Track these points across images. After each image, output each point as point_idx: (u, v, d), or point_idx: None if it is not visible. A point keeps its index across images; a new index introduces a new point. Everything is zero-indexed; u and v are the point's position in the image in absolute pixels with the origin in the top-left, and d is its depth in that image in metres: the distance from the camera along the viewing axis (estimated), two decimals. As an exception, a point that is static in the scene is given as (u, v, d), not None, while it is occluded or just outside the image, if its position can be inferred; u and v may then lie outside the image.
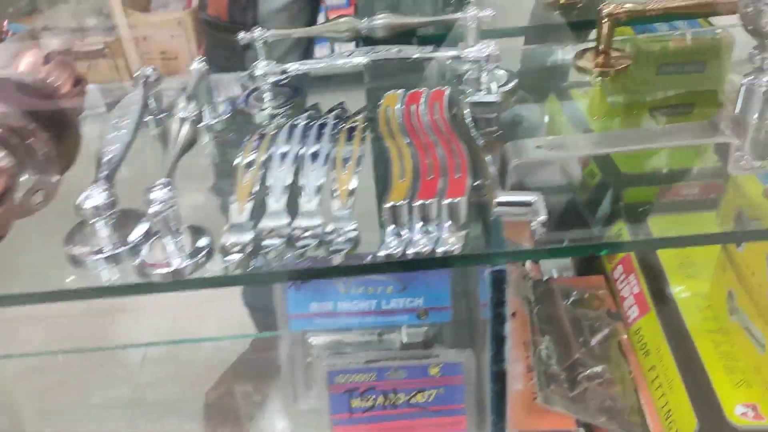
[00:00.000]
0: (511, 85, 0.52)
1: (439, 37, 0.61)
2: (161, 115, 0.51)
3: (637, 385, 0.57)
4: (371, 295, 0.67)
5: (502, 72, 0.53)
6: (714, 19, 0.60)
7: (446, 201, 0.38)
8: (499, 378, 0.43)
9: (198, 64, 0.50)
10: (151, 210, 0.36)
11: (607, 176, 0.57)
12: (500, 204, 0.38)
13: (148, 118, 0.50)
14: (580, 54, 0.56)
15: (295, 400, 0.66)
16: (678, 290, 0.62)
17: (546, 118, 0.52)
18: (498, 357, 0.42)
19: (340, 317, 0.67)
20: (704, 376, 0.55)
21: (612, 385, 0.52)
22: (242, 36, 0.54)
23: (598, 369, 0.52)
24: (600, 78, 0.55)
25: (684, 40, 0.61)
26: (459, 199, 0.37)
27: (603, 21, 0.53)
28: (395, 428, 0.54)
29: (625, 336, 0.62)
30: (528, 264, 0.66)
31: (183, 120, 0.42)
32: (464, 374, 0.53)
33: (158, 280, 0.38)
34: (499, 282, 0.39)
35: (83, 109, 0.50)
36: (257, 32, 0.54)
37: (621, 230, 0.71)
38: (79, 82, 0.50)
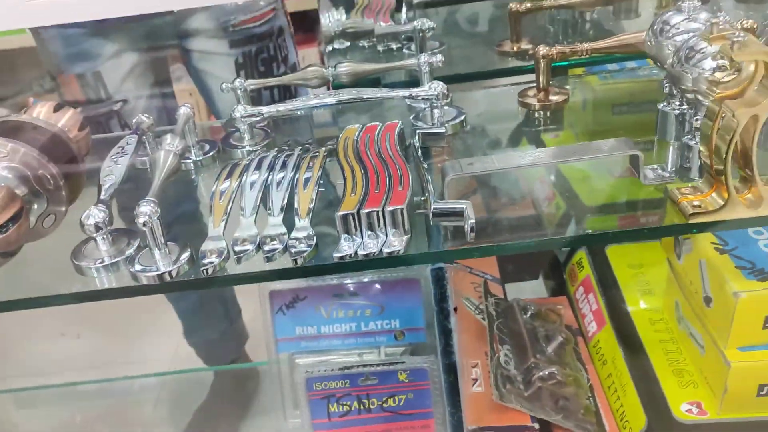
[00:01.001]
0: (458, 119, 0.61)
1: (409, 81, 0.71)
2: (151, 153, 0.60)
3: (595, 391, 0.62)
4: (351, 318, 0.74)
5: (451, 109, 0.62)
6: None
7: (389, 209, 0.45)
8: (451, 369, 0.49)
9: (184, 109, 0.59)
10: (139, 221, 0.44)
11: (570, 208, 0.64)
12: (436, 211, 0.46)
13: (141, 154, 0.59)
14: (523, 91, 0.65)
15: (285, 419, 0.72)
16: (633, 307, 0.69)
17: (489, 146, 0.60)
18: (447, 349, 0.49)
19: (324, 339, 0.74)
20: (654, 379, 0.61)
21: (565, 386, 0.58)
22: (224, 85, 0.64)
23: (551, 370, 0.57)
24: (540, 111, 0.63)
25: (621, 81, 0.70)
26: (400, 207, 0.45)
27: (539, 61, 0.62)
28: (370, 432, 0.60)
29: (586, 350, 0.68)
30: (492, 287, 0.73)
31: (168, 152, 0.51)
32: (430, 379, 0.59)
33: (148, 283, 0.45)
34: (439, 279, 0.46)
35: (88, 150, 0.60)
36: (237, 82, 0.64)
37: (581, 257, 0.78)
38: (84, 127, 0.59)
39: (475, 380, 0.59)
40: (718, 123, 0.43)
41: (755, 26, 0.53)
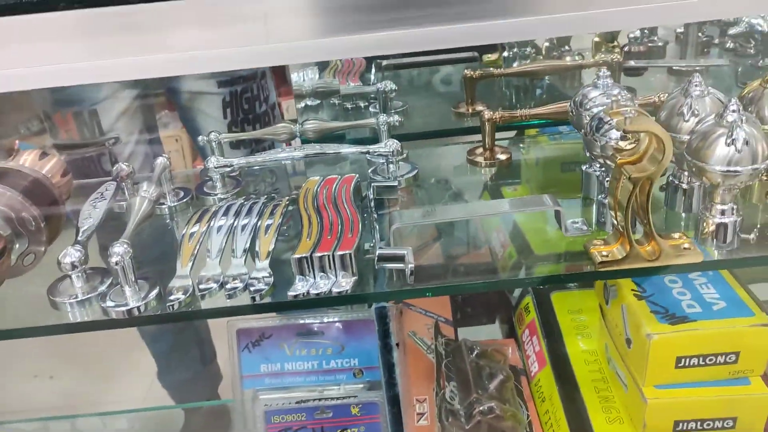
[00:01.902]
0: (411, 174, 0.67)
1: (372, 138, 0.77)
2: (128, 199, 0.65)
3: (534, 426, 0.67)
4: (314, 356, 0.78)
5: (406, 164, 0.69)
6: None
7: (338, 253, 0.51)
8: (394, 401, 0.54)
9: (161, 159, 0.65)
10: (112, 260, 0.49)
11: (521, 256, 0.70)
12: (380, 256, 0.52)
13: (119, 199, 0.65)
14: (472, 150, 0.72)
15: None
16: (571, 348, 0.74)
17: (437, 199, 0.67)
18: (390, 381, 0.53)
19: (287, 376, 0.78)
20: (585, 415, 0.66)
21: (503, 420, 0.62)
22: (201, 138, 0.70)
23: (490, 405, 0.62)
24: (486, 168, 0.70)
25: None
26: (348, 251, 0.51)
27: (485, 123, 0.70)
28: (324, 465, 0.64)
29: (528, 389, 0.73)
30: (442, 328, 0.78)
31: (143, 198, 0.56)
32: (381, 413, 0.64)
33: (117, 317, 0.50)
34: (382, 317, 0.51)
35: (69, 194, 0.65)
36: (212, 135, 0.70)
37: (528, 303, 0.84)
38: (66, 174, 0.65)
39: (422, 414, 0.64)
40: (620, 184, 0.50)
41: (661, 101, 0.60)
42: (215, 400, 1.33)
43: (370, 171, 0.69)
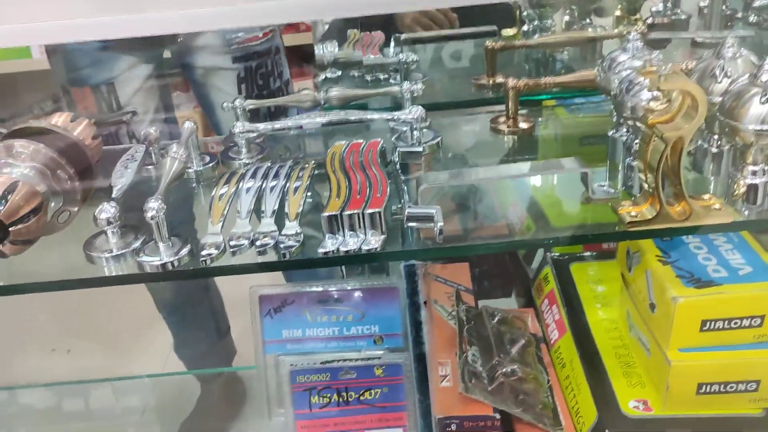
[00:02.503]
0: (435, 141, 0.68)
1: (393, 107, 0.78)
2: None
3: (554, 391, 0.68)
4: (334, 322, 0.79)
5: (429, 132, 0.69)
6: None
7: (368, 211, 0.52)
8: (420, 359, 0.55)
9: (188, 123, 0.66)
10: (148, 215, 0.50)
11: (538, 230, 0.71)
12: (409, 215, 0.52)
13: (147, 163, 0.65)
14: (495, 118, 0.72)
15: (269, 417, 0.76)
16: (590, 316, 0.75)
17: (461, 165, 0.67)
18: (418, 340, 0.54)
19: (308, 342, 0.79)
20: (606, 380, 0.66)
21: (525, 382, 0.63)
22: (225, 104, 0.71)
23: (513, 368, 0.63)
24: (509, 136, 0.71)
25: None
26: (377, 210, 0.52)
27: (509, 91, 0.70)
28: (348, 423, 0.65)
29: (548, 355, 0.73)
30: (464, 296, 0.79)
31: (174, 159, 0.57)
32: (404, 374, 0.64)
33: (152, 271, 0.51)
34: (411, 275, 0.52)
35: (99, 158, 0.66)
36: (237, 101, 0.71)
37: (547, 273, 0.84)
38: (96, 137, 0.65)
39: (444, 376, 0.65)
40: (651, 145, 0.50)
41: (689, 70, 0.60)
42: (229, 373, 1.35)
43: (393, 138, 0.69)
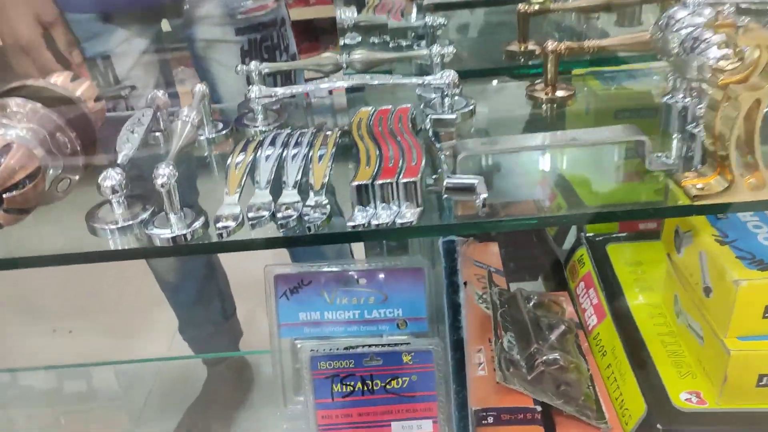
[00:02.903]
0: (468, 108, 0.62)
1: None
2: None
3: (595, 380, 0.63)
4: (355, 305, 0.75)
5: (461, 98, 0.64)
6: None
7: (403, 180, 0.47)
8: (458, 346, 0.50)
9: (199, 86, 0.60)
10: (158, 182, 0.45)
11: (571, 208, 0.66)
12: (449, 185, 0.47)
13: (154, 129, 0.60)
14: (531, 86, 0.67)
15: (285, 405, 0.72)
16: (632, 302, 0.70)
17: (497, 134, 0.62)
18: (455, 324, 0.49)
19: (327, 326, 0.74)
20: (653, 369, 0.62)
21: (567, 372, 0.59)
22: (240, 67, 0.66)
23: (554, 356, 0.58)
24: (547, 104, 0.65)
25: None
26: (414, 179, 0.47)
27: (548, 56, 0.64)
28: (373, 413, 0.60)
29: (586, 342, 0.69)
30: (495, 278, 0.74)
31: (185, 123, 0.52)
32: (434, 362, 0.60)
33: (161, 245, 0.46)
34: (450, 252, 0.47)
35: (102, 121, 0.61)
36: (252, 65, 0.66)
37: (582, 255, 0.79)
38: (99, 99, 0.60)
39: (479, 364, 0.60)
40: (722, 109, 0.44)
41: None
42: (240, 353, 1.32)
43: (422, 105, 0.64)
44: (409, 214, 0.47)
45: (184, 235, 0.46)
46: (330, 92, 0.78)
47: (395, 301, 0.75)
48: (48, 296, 1.66)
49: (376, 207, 0.48)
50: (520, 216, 0.47)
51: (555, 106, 0.65)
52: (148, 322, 1.59)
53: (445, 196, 0.48)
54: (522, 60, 0.80)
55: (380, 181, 0.47)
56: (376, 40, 0.86)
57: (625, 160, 0.54)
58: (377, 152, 0.51)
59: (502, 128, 0.63)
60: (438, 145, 0.53)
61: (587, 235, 0.80)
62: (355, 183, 0.47)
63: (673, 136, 0.56)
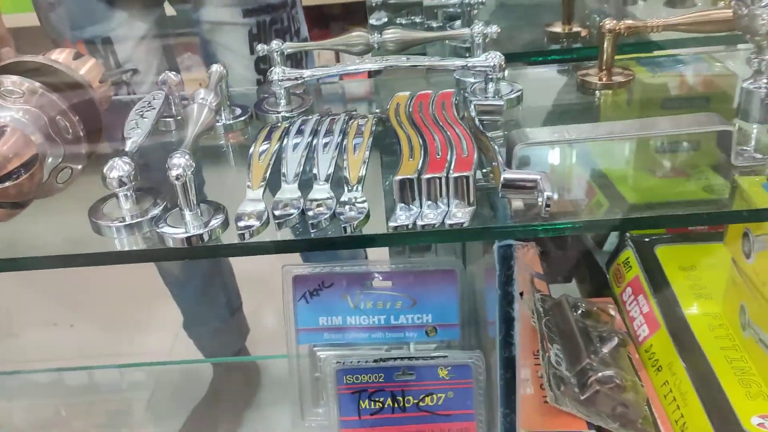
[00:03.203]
0: (515, 94, 0.56)
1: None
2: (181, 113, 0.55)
3: (650, 398, 0.57)
4: (380, 310, 0.69)
5: (506, 84, 0.57)
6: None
7: (454, 175, 0.41)
8: (509, 364, 0.44)
9: (216, 66, 0.54)
10: (172, 174, 0.39)
11: (613, 206, 0.59)
12: (506, 181, 0.41)
13: (165, 114, 0.54)
14: (584, 70, 0.61)
15: (302, 417, 0.67)
16: (689, 311, 0.64)
17: (549, 124, 0.56)
18: (507, 340, 0.43)
19: (349, 332, 0.69)
20: (719, 389, 0.55)
21: (623, 390, 0.53)
22: (260, 47, 0.60)
23: (609, 373, 0.53)
24: (602, 91, 0.59)
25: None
26: (466, 173, 0.41)
27: (605, 36, 0.58)
28: (404, 433, 0.55)
29: (636, 355, 0.63)
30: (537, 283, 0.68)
31: (202, 106, 0.46)
32: (474, 377, 0.54)
33: (176, 246, 0.40)
34: (506, 258, 0.41)
35: (108, 101, 0.55)
36: (274, 44, 0.59)
37: (629, 257, 0.73)
38: (105, 80, 0.54)
39: (524, 381, 0.54)
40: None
41: None
42: (243, 353, 1.27)
43: (463, 91, 0.58)
44: (460, 214, 0.41)
45: (201, 235, 0.41)
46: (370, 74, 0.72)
47: (424, 305, 0.69)
48: (47, 288, 1.61)
49: (421, 205, 0.42)
50: (593, 218, 0.41)
51: (611, 92, 0.59)
52: (151, 317, 1.54)
53: (501, 194, 0.42)
54: (565, 42, 0.74)
55: (427, 176, 0.41)
56: (404, 21, 0.80)
57: (700, 154, 0.48)
58: (420, 142, 0.45)
59: (554, 117, 0.57)
60: (488, 135, 0.47)
61: (632, 235, 0.74)
62: (399, 177, 0.41)
63: (753, 127, 0.49)
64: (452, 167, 0.41)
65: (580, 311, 0.61)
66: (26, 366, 1.16)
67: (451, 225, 0.41)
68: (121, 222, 0.42)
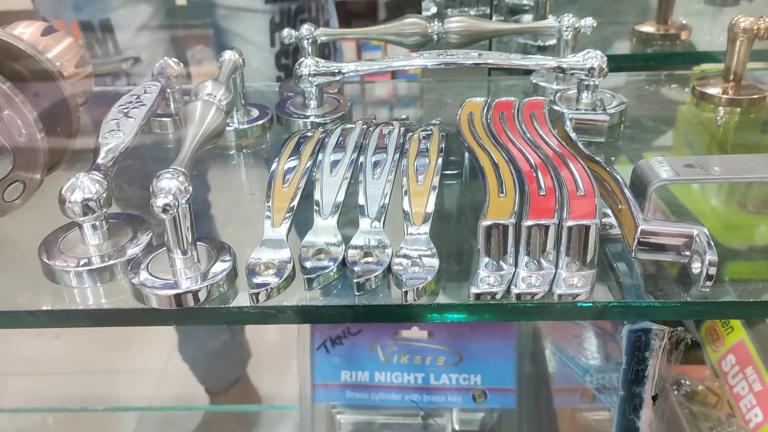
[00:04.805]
0: (619, 107, 0.44)
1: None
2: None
3: None
4: (417, 366, 0.57)
5: (602, 91, 0.45)
6: None
7: (571, 223, 0.28)
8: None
9: (229, 53, 0.42)
10: (158, 203, 0.27)
11: None
12: (645, 235, 0.29)
13: (161, 113, 0.42)
14: (703, 81, 0.48)
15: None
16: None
17: (661, 149, 0.43)
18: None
19: (377, 391, 0.57)
20: None
21: None
22: (287, 33, 0.48)
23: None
24: (729, 107, 0.46)
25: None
26: (591, 221, 0.28)
27: (738, 38, 0.45)
28: None
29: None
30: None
31: (209, 104, 0.34)
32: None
33: (159, 306, 0.28)
34: (638, 348, 0.28)
35: (86, 98, 0.43)
36: (305, 29, 0.48)
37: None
38: (84, 65, 0.42)
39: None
40: None
41: None
42: (243, 380, 1.16)
43: (550, 99, 0.45)
44: (576, 281, 0.29)
45: (196, 292, 0.28)
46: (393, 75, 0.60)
47: (472, 363, 0.57)
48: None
49: (516, 263, 0.29)
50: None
51: (739, 110, 0.46)
52: (143, 330, 1.43)
53: (634, 253, 0.29)
54: (660, 45, 0.62)
55: (532, 222, 0.29)
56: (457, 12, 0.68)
57: None
58: (512, 170, 0.32)
59: (670, 141, 0.44)
60: (604, 164, 0.34)
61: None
62: (488, 222, 0.29)
63: None
64: (566, 212, 0.29)
65: (683, 391, 0.48)
66: (9, 379, 1.06)
67: (561, 296, 0.28)
68: (84, 265, 0.30)
